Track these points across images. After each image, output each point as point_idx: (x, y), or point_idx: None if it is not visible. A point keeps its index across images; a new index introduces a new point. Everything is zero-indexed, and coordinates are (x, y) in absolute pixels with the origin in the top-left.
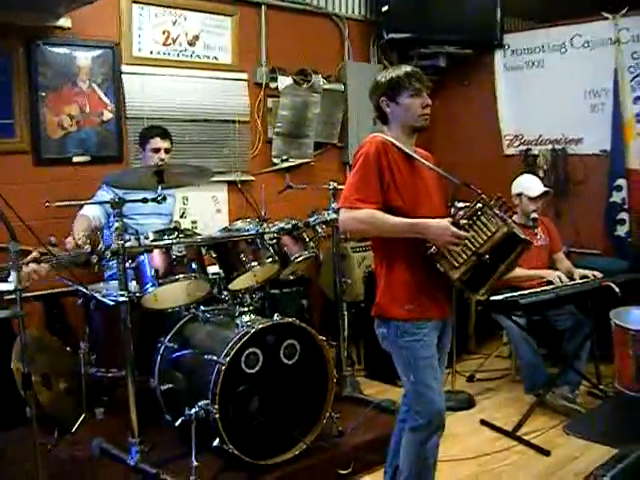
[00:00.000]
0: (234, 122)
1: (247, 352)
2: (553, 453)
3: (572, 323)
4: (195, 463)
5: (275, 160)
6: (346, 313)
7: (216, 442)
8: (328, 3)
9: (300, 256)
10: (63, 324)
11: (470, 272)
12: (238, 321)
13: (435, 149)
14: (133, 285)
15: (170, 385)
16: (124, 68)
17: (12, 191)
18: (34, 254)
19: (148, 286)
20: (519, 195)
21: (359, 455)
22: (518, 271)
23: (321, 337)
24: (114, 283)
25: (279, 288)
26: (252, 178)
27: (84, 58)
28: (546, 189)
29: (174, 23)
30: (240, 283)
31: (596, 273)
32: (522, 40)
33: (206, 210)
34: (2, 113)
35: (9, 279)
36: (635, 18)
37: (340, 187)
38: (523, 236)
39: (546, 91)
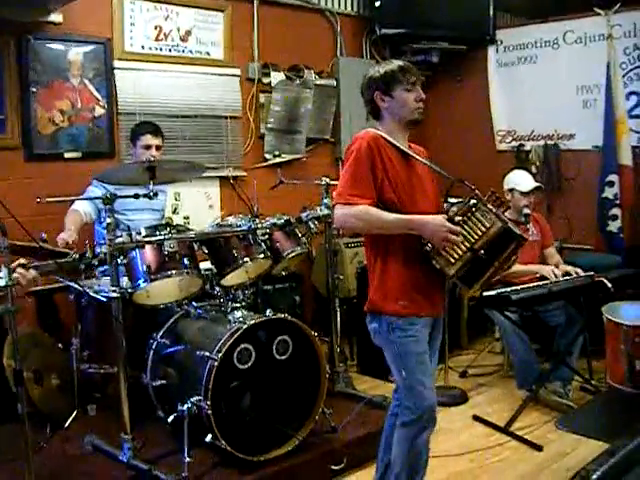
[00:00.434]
0: (226, 118)
1: (239, 348)
2: (545, 448)
3: (564, 319)
4: (187, 459)
5: (267, 156)
6: (338, 309)
7: (208, 438)
8: None
9: (292, 252)
10: (55, 320)
11: (466, 268)
12: (230, 317)
13: (428, 145)
14: (125, 281)
15: (162, 381)
16: (116, 63)
17: (3, 187)
18: (21, 260)
19: (140, 282)
20: (511, 191)
21: (352, 450)
22: (512, 267)
23: (313, 333)
24: (106, 279)
25: (271, 284)
26: (244, 174)
27: (76, 53)
28: (537, 184)
29: (166, 18)
30: (232, 279)
31: (578, 270)
32: (515, 36)
33: (198, 206)
34: None
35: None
36: (627, 14)
37: (333, 183)
38: (518, 232)
39: (538, 87)
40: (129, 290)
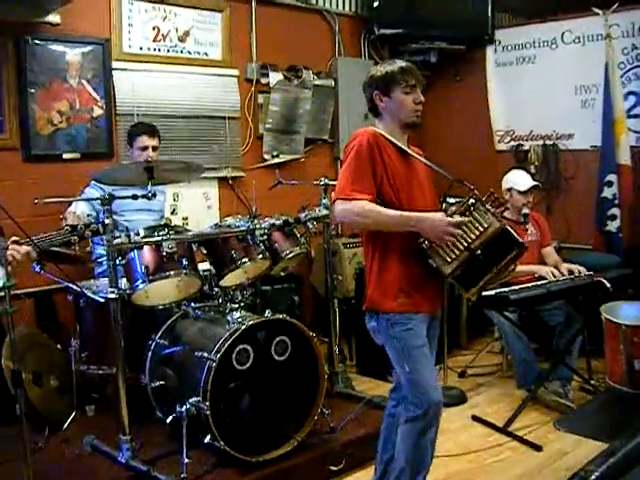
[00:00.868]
0: (225, 118)
1: (238, 349)
2: (545, 448)
3: (563, 318)
4: (186, 460)
5: (266, 156)
6: (337, 309)
7: (207, 439)
8: None
9: (291, 252)
10: (53, 321)
11: (462, 268)
12: (229, 318)
13: (426, 145)
14: (123, 282)
15: (161, 382)
16: (114, 64)
17: (1, 188)
18: (13, 237)
19: (138, 283)
20: (509, 190)
21: (351, 451)
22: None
23: (312, 333)
24: (104, 280)
25: (270, 284)
26: (243, 174)
27: (74, 54)
28: (535, 183)
29: (164, 19)
30: (231, 280)
31: (581, 268)
32: (513, 36)
33: (197, 206)
34: None
35: None
36: (625, 14)
37: (331, 183)
38: (516, 235)
39: (537, 87)
40: (128, 291)
